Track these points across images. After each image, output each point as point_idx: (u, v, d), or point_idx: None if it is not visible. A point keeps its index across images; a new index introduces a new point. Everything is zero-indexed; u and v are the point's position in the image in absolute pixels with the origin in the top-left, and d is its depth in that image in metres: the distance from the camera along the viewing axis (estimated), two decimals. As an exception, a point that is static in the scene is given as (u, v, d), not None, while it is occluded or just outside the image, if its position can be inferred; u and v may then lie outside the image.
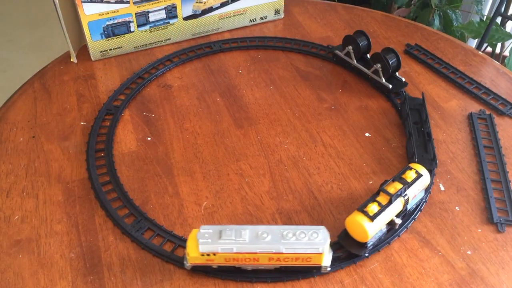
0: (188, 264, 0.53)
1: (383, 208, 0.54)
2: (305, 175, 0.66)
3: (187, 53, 0.86)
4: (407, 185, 0.56)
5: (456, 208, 0.62)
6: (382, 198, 0.55)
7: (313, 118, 0.74)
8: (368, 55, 0.79)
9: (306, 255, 0.51)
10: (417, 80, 0.81)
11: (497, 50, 1.40)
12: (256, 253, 0.51)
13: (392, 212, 0.55)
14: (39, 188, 0.63)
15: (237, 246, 0.50)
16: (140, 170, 0.66)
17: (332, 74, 0.83)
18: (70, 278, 0.54)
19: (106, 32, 0.82)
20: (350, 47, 0.78)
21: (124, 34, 0.84)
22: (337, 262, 0.55)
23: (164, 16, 0.85)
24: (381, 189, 0.56)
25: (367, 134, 0.72)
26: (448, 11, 1.32)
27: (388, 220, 0.55)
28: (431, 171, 0.62)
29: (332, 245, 0.55)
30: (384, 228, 0.56)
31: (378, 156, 0.69)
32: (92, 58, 0.84)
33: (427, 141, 0.67)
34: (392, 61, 0.75)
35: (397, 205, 0.56)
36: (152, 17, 0.84)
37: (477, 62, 0.86)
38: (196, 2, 0.86)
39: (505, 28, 1.26)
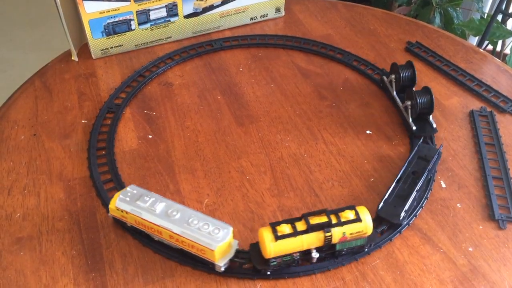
0: (110, 214, 0.57)
1: (294, 233, 0.51)
2: (306, 173, 0.66)
3: (188, 51, 0.86)
4: (334, 224, 0.51)
5: (458, 205, 0.62)
6: (301, 225, 0.51)
7: (314, 116, 0.74)
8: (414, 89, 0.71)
9: (199, 246, 0.52)
10: (418, 78, 0.81)
11: (498, 48, 1.40)
12: (159, 226, 0.53)
13: (306, 243, 0.51)
14: (41, 186, 0.63)
15: (146, 214, 0.54)
16: (141, 168, 0.66)
17: (333, 72, 0.83)
18: (71, 275, 0.54)
19: (107, 30, 0.82)
20: (393, 76, 0.72)
21: (125, 32, 0.84)
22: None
23: (165, 14, 0.85)
24: (303, 216, 0.52)
25: (368, 132, 0.72)
26: (449, 8, 1.32)
27: (301, 249, 0.52)
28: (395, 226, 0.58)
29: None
30: (297, 256, 0.52)
31: (379, 154, 0.69)
32: (93, 56, 0.84)
33: (407, 195, 0.60)
34: (421, 101, 0.69)
35: (313, 238, 0.51)
36: (153, 15, 0.84)
37: (478, 59, 0.86)
38: (197, 0, 0.86)
39: (506, 25, 1.26)
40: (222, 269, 0.53)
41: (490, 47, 1.37)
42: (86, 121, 0.73)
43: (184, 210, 0.54)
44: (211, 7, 0.88)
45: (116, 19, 0.82)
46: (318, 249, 0.53)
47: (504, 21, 1.29)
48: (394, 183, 0.61)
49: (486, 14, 1.37)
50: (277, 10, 0.94)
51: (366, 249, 0.56)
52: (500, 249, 0.57)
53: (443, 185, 0.64)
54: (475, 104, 0.77)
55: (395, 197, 0.60)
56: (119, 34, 0.84)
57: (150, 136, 0.71)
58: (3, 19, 2.16)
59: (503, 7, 1.14)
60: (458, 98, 0.78)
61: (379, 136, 0.71)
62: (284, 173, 0.66)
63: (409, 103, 0.69)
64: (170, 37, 0.88)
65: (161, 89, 0.79)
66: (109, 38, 0.83)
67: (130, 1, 0.80)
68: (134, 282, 0.53)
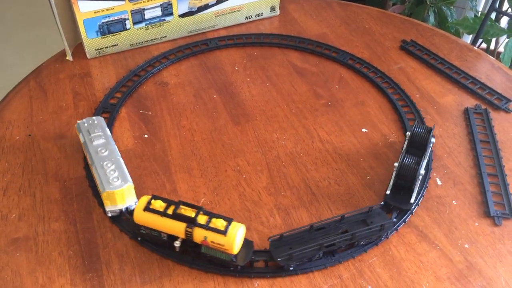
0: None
1: (161, 213, 0.52)
2: (303, 171, 0.66)
3: (183, 51, 0.86)
4: (198, 224, 0.51)
5: (453, 202, 0.62)
6: (172, 209, 0.52)
7: (310, 114, 0.74)
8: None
9: (97, 184, 0.59)
10: (413, 76, 0.82)
11: (492, 46, 1.40)
12: (86, 151, 0.62)
13: (169, 227, 0.52)
14: (36, 186, 0.63)
15: (87, 141, 0.62)
16: (137, 168, 0.66)
17: (328, 71, 0.83)
18: (68, 276, 0.54)
19: (101, 30, 0.82)
20: (408, 133, 0.65)
21: (120, 31, 0.83)
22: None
23: (159, 13, 0.85)
24: (178, 202, 0.53)
25: (364, 130, 0.72)
26: (443, 7, 1.33)
27: (164, 230, 0.53)
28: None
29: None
30: (164, 236, 0.53)
31: (375, 152, 0.69)
32: (87, 56, 0.84)
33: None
34: (405, 165, 0.60)
35: (176, 227, 0.52)
36: (148, 15, 0.84)
37: (472, 57, 0.86)
38: (192, -1, 0.86)
39: (499, 23, 1.26)
40: (109, 214, 0.57)
41: (484, 45, 1.38)
42: (80, 121, 0.72)
43: (112, 155, 0.60)
44: (206, 6, 0.88)
45: (111, 19, 0.81)
46: (184, 243, 0.53)
47: (497, 19, 1.30)
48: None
49: (480, 12, 1.38)
50: (272, 9, 0.94)
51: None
52: (495, 245, 0.57)
53: (439, 182, 0.64)
54: (470, 102, 0.77)
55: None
56: (114, 34, 0.83)
57: (146, 136, 0.71)
58: (-4, 19, 2.15)
59: (497, 5, 1.15)
60: (453, 95, 0.78)
61: (374, 134, 0.71)
62: (281, 171, 0.66)
63: (396, 164, 0.61)
64: (165, 36, 0.88)
65: (157, 89, 0.79)
66: (104, 37, 0.83)
67: (124, 0, 0.80)
68: (131, 282, 0.53)
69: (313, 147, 0.69)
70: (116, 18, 0.82)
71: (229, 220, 0.51)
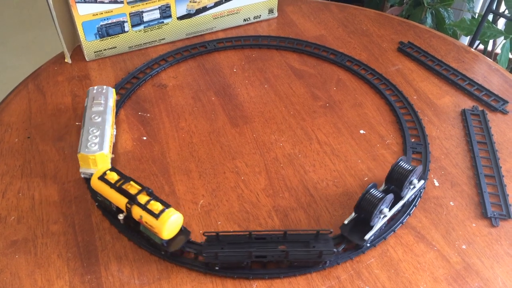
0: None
1: (110, 184, 0.56)
2: (301, 173, 0.66)
3: (182, 53, 0.86)
4: (137, 202, 0.54)
5: (451, 203, 0.62)
6: (121, 183, 0.55)
7: (308, 116, 0.75)
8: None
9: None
10: (410, 77, 0.82)
11: (489, 47, 1.41)
12: (83, 114, 0.67)
13: (115, 199, 0.56)
14: (35, 188, 0.63)
15: (88, 107, 0.67)
16: (136, 170, 0.66)
17: (326, 72, 0.83)
18: (67, 278, 0.54)
19: (100, 32, 0.82)
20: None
21: (118, 34, 0.84)
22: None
23: (158, 16, 0.85)
24: (129, 178, 0.56)
25: (361, 131, 0.72)
26: (440, 9, 1.33)
27: (111, 200, 0.56)
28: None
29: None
30: (114, 207, 0.56)
31: (373, 153, 0.69)
32: (86, 58, 0.84)
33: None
34: (365, 199, 0.56)
35: (120, 201, 0.55)
36: (146, 17, 0.84)
37: (470, 59, 0.86)
38: (190, 1, 0.86)
39: (496, 25, 1.27)
40: (82, 175, 0.62)
41: (481, 46, 1.38)
42: (80, 123, 0.72)
43: (102, 123, 0.64)
44: (204, 9, 0.88)
45: (109, 21, 0.82)
46: (127, 218, 0.56)
47: (495, 20, 1.31)
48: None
49: (477, 14, 1.39)
50: (270, 11, 0.95)
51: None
52: (493, 246, 0.58)
53: (436, 184, 0.65)
54: (467, 103, 0.77)
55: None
56: (113, 36, 0.83)
57: (144, 138, 0.71)
58: (-5, 21, 2.15)
59: (494, 7, 1.15)
60: (450, 97, 0.78)
61: (372, 135, 0.72)
62: (279, 173, 0.66)
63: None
64: (164, 38, 0.88)
65: (155, 91, 0.79)
66: (102, 40, 0.83)
67: (123, 3, 0.80)
68: (130, 283, 0.53)
69: (311, 149, 0.69)
70: (114, 20, 0.82)
71: (166, 206, 0.53)
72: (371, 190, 0.56)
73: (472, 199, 0.63)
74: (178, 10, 0.86)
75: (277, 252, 0.53)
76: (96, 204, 0.61)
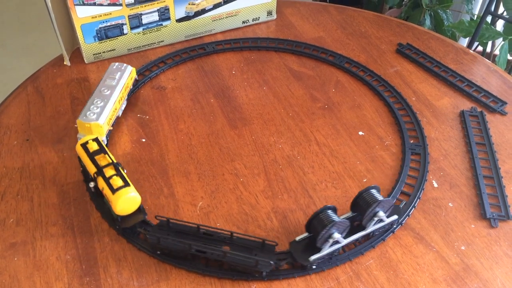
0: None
1: (88, 153, 0.59)
2: (300, 174, 0.66)
3: (181, 55, 0.87)
4: (103, 175, 0.56)
5: (450, 204, 0.62)
6: (96, 152, 0.59)
7: (306, 118, 0.75)
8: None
9: None
10: (409, 79, 0.82)
11: (488, 49, 1.41)
12: (97, 86, 0.71)
13: (90, 167, 0.58)
14: (34, 190, 0.63)
15: (104, 80, 0.72)
16: (135, 172, 0.66)
17: (325, 74, 0.83)
18: (66, 280, 0.54)
19: (99, 35, 0.82)
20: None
21: (117, 36, 0.84)
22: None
23: (157, 18, 0.85)
24: (102, 150, 0.59)
25: (360, 133, 0.72)
26: (439, 10, 1.34)
27: (86, 167, 0.59)
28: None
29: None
30: (93, 176, 0.58)
31: (371, 154, 0.69)
32: (85, 60, 0.84)
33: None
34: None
35: (91, 169, 0.58)
36: (145, 19, 0.84)
37: (468, 60, 0.87)
38: (189, 4, 0.86)
39: (495, 26, 1.27)
40: (78, 139, 0.64)
41: (480, 48, 1.38)
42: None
43: (109, 97, 0.68)
44: (203, 11, 0.88)
45: (108, 24, 0.82)
46: (96, 188, 0.58)
47: (493, 22, 1.31)
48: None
49: (475, 16, 1.39)
50: (269, 13, 0.95)
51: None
52: (492, 247, 0.58)
53: (435, 185, 0.65)
54: (466, 105, 0.77)
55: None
56: (112, 39, 0.84)
57: (143, 140, 0.71)
58: (-6, 24, 2.16)
59: (492, 8, 1.15)
60: (449, 98, 0.79)
61: (371, 137, 0.72)
62: (278, 175, 0.66)
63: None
64: (163, 41, 0.88)
65: (154, 93, 0.79)
66: (101, 42, 0.83)
67: (122, 5, 0.81)
68: (129, 285, 0.53)
69: (310, 150, 0.69)
70: (113, 23, 0.82)
71: (126, 184, 0.55)
72: (328, 211, 0.53)
73: (471, 200, 0.63)
74: (177, 12, 0.86)
75: (216, 251, 0.53)
76: (81, 170, 0.63)
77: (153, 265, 0.55)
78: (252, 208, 0.62)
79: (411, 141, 0.71)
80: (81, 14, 0.79)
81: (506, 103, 0.77)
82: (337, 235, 0.53)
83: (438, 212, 0.61)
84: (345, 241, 0.54)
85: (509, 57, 1.20)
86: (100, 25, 0.81)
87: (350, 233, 0.55)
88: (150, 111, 0.76)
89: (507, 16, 1.17)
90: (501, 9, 1.31)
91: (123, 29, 0.83)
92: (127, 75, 0.73)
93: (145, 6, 0.82)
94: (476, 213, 0.61)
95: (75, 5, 0.77)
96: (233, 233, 0.54)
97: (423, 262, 0.56)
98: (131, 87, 0.76)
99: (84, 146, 0.59)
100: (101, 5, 0.79)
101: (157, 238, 0.53)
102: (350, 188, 0.64)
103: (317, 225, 0.53)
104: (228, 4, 0.89)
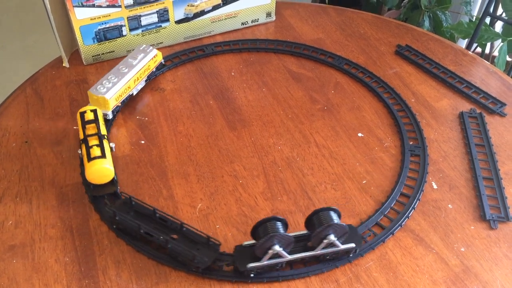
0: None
1: (83, 121, 0.64)
2: (299, 176, 0.66)
3: (180, 57, 0.86)
4: (87, 143, 0.61)
5: (449, 206, 0.62)
6: (89, 122, 0.64)
7: (306, 119, 0.75)
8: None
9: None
10: (408, 80, 0.82)
11: (487, 50, 1.41)
12: (117, 66, 0.75)
13: (80, 134, 0.63)
14: (33, 193, 0.63)
15: (123, 64, 0.75)
16: (134, 174, 0.66)
17: (324, 76, 0.83)
18: (65, 283, 0.53)
19: (98, 37, 0.82)
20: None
21: (116, 38, 0.84)
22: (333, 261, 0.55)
23: (156, 19, 0.85)
24: (97, 123, 0.64)
25: (359, 134, 0.72)
26: (438, 12, 1.34)
27: (80, 132, 0.64)
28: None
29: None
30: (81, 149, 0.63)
31: (371, 156, 0.69)
32: (84, 62, 0.84)
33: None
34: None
35: (81, 135, 0.63)
36: (144, 21, 0.84)
37: (467, 61, 0.87)
38: (188, 5, 0.86)
39: (494, 28, 1.27)
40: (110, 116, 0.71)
41: (479, 49, 1.39)
42: (77, 128, 0.72)
43: (124, 75, 0.72)
44: (202, 13, 0.88)
45: (107, 25, 0.82)
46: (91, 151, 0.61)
47: (492, 23, 1.31)
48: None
49: (474, 17, 1.39)
50: (268, 15, 0.95)
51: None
52: (492, 249, 0.58)
53: (435, 186, 0.65)
54: (465, 106, 0.77)
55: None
56: (111, 40, 0.84)
57: (142, 142, 0.71)
58: (-7, 26, 2.16)
59: (491, 10, 1.15)
60: (448, 100, 0.79)
61: (370, 138, 0.72)
62: (277, 176, 0.66)
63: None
64: (162, 42, 0.88)
65: (153, 95, 0.79)
66: (100, 44, 0.83)
67: (121, 7, 0.80)
68: (128, 288, 0.53)
69: (309, 152, 0.69)
70: (112, 24, 0.82)
71: (102, 155, 0.59)
72: (276, 222, 0.51)
73: (470, 201, 0.63)
74: (176, 14, 0.86)
75: (161, 236, 0.54)
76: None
77: (152, 268, 0.55)
78: (251, 209, 0.62)
79: (411, 143, 0.71)
80: (80, 16, 0.78)
81: (505, 104, 0.77)
82: (277, 248, 0.51)
83: (438, 213, 0.61)
84: (289, 257, 0.52)
85: (508, 59, 1.20)
86: (99, 27, 0.81)
87: (300, 251, 0.53)
88: (149, 113, 0.75)
89: (506, 18, 1.17)
90: (499, 11, 1.31)
91: (122, 31, 0.83)
92: (150, 57, 0.76)
93: (144, 7, 0.82)
94: (475, 214, 0.61)
95: (74, 6, 0.77)
96: (183, 224, 0.55)
97: (422, 263, 0.56)
98: (154, 70, 0.79)
99: (82, 114, 0.64)
100: (100, 6, 0.79)
101: (113, 212, 0.55)
102: (350, 190, 0.64)
103: (261, 233, 0.51)
104: (227, 6, 0.89)
